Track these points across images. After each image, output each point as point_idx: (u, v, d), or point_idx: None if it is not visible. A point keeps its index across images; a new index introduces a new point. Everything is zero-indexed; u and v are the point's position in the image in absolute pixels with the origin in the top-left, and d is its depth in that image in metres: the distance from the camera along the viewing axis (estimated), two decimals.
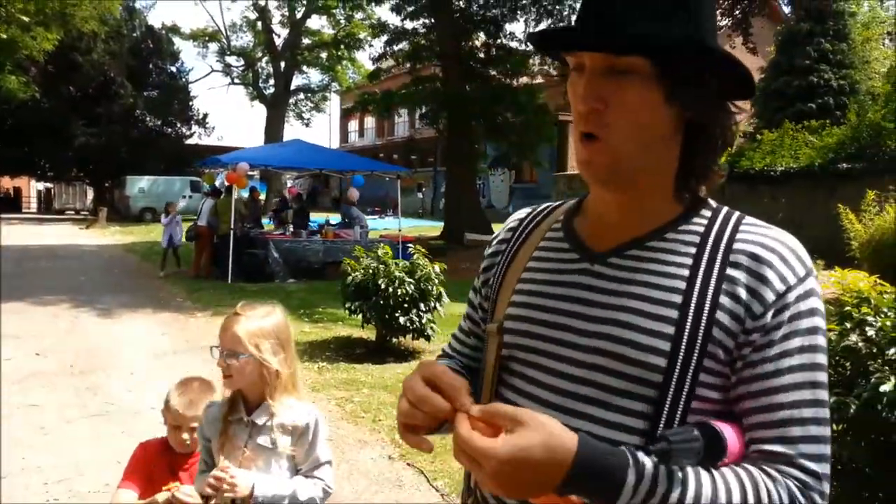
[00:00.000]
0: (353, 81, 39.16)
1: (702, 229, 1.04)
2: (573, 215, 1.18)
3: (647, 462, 0.90)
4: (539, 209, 1.26)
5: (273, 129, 36.23)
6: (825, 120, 16.89)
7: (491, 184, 33.88)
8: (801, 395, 0.96)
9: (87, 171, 39.76)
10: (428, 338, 7.35)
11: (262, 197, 21.54)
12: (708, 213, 1.07)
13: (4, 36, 21.99)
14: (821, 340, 0.98)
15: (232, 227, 13.20)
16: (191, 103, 42.04)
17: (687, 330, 0.97)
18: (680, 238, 1.05)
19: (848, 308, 3.06)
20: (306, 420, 2.14)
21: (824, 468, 0.95)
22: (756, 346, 0.97)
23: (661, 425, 0.96)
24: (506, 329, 1.12)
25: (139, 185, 32.28)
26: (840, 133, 15.66)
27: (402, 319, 7.12)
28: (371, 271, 7.37)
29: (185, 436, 2.40)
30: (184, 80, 42.48)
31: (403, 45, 22.02)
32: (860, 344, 2.89)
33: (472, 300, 1.31)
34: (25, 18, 22.02)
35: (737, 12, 17.20)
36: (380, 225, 22.30)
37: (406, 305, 7.14)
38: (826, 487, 0.95)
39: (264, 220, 17.79)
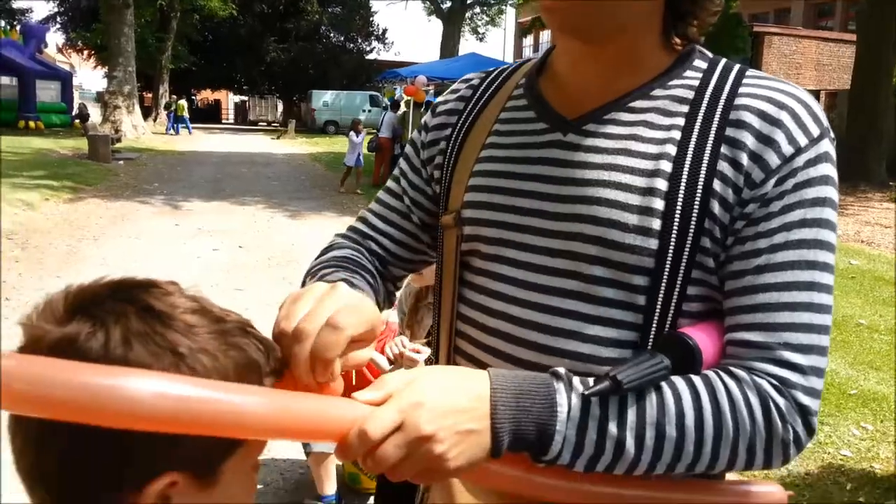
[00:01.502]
0: None
1: (696, 83, 0.86)
2: (537, 76, 0.97)
3: (576, 380, 0.76)
4: (493, 71, 1.05)
5: (448, 45, 36.39)
6: None
7: None
8: (794, 275, 0.79)
9: (277, 86, 42.35)
10: None
11: None
12: (703, 65, 0.88)
13: None
14: (829, 214, 0.81)
15: (408, 139, 13.67)
16: (371, 19, 43.12)
17: (679, 204, 0.80)
18: (669, 94, 0.86)
19: None
20: None
21: (812, 360, 0.78)
22: (751, 219, 0.80)
23: (656, 317, 0.82)
24: (464, 219, 0.94)
25: (323, 99, 33.92)
26: None
27: None
28: None
29: None
30: None
31: None
32: None
33: (408, 175, 1.07)
34: None
35: None
36: None
37: None
38: (815, 383, 0.78)
39: None
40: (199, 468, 0.63)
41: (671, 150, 0.83)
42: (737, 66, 0.88)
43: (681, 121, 0.84)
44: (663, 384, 0.76)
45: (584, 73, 0.90)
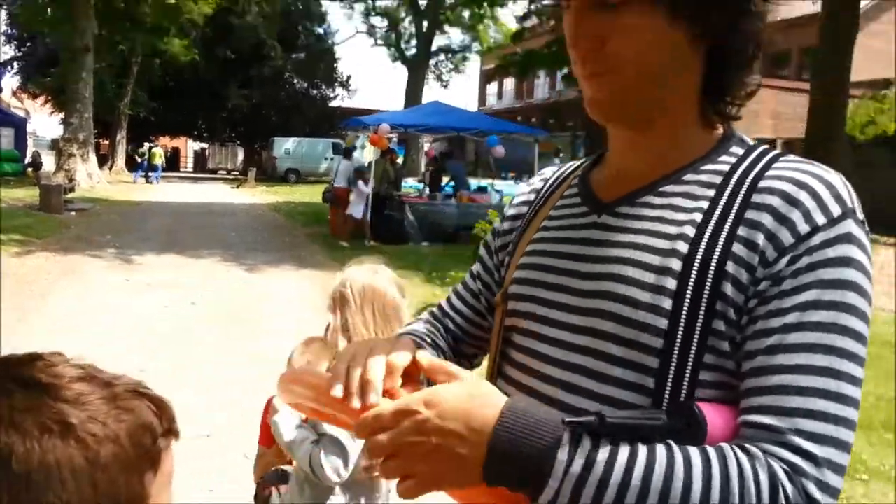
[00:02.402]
0: (495, 41, 38.88)
1: (727, 168, 0.88)
2: (592, 167, 1.04)
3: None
4: (565, 167, 1.13)
5: (413, 92, 36.71)
6: None
7: None
8: (808, 359, 0.76)
9: (238, 133, 42.18)
10: None
11: (400, 159, 21.97)
12: (740, 151, 0.90)
13: (172, 1, 23.47)
14: (852, 298, 0.77)
15: (375, 188, 13.55)
16: (335, 65, 43.38)
17: (691, 285, 0.81)
18: (699, 179, 0.88)
19: None
20: None
21: (827, 452, 0.73)
22: (764, 298, 0.79)
23: (666, 399, 0.81)
24: (510, 295, 1.00)
25: (285, 147, 33.83)
26: None
27: None
28: None
29: None
30: (330, 42, 43.88)
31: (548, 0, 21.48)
32: None
33: (484, 260, 1.16)
34: None
35: None
36: (515, 190, 22.14)
37: None
38: (829, 477, 0.73)
39: (412, 183, 18.14)
40: None
41: (690, 231, 0.84)
42: (774, 152, 0.88)
43: (705, 204, 0.86)
44: (676, 449, 0.74)
45: (628, 158, 0.95)
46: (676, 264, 0.83)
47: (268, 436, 2.57)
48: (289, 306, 8.11)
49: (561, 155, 36.47)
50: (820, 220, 0.79)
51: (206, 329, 6.95)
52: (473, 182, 17.79)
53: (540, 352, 0.93)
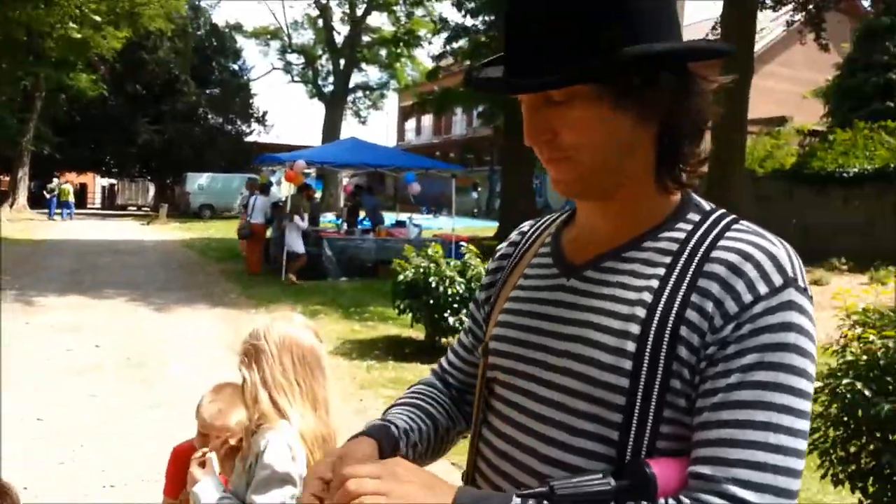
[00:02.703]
0: (412, 79, 39.31)
1: (683, 235, 0.95)
2: (564, 226, 1.11)
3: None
4: (542, 220, 1.20)
5: (331, 127, 36.62)
6: None
7: (547, 183, 33.37)
8: (748, 414, 0.83)
9: (149, 168, 40.89)
10: None
11: (318, 195, 21.80)
12: (696, 217, 0.97)
13: (78, 35, 22.71)
14: (791, 359, 0.85)
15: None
16: (251, 101, 42.84)
17: (649, 348, 0.89)
18: (657, 246, 0.96)
19: None
20: (261, 443, 1.84)
21: (765, 498, 0.80)
22: (712, 360, 0.87)
23: (629, 452, 0.88)
24: (490, 350, 1.08)
25: (199, 182, 32.99)
26: None
27: (451, 319, 7.07)
28: (422, 270, 7.32)
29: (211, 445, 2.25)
30: (245, 77, 43.34)
31: (463, 42, 21.96)
32: None
33: (474, 314, 1.25)
34: (98, 18, 22.68)
35: (810, 7, 16.58)
36: (434, 224, 22.28)
37: (456, 305, 7.08)
38: None
39: (331, 218, 17.95)
40: None
41: (648, 297, 0.92)
42: (728, 219, 0.95)
43: (661, 271, 0.93)
44: None
45: (593, 224, 1.03)
46: (635, 328, 0.90)
47: (172, 486, 2.43)
48: (200, 347, 7.84)
49: (479, 189, 37.13)
50: (762, 289, 0.86)
51: (110, 373, 6.63)
52: (391, 217, 17.77)
53: (518, 403, 1.01)
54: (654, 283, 0.92)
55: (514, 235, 1.22)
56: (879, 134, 15.72)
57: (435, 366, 1.32)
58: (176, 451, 2.50)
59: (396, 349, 7.92)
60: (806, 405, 0.85)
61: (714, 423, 0.84)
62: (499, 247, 1.24)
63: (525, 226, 1.22)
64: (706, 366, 0.87)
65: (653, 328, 0.89)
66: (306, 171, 14.58)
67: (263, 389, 1.91)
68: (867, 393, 2.79)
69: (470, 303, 1.28)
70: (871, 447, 2.90)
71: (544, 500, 0.83)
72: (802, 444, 0.84)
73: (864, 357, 2.98)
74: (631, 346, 0.89)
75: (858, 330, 3.08)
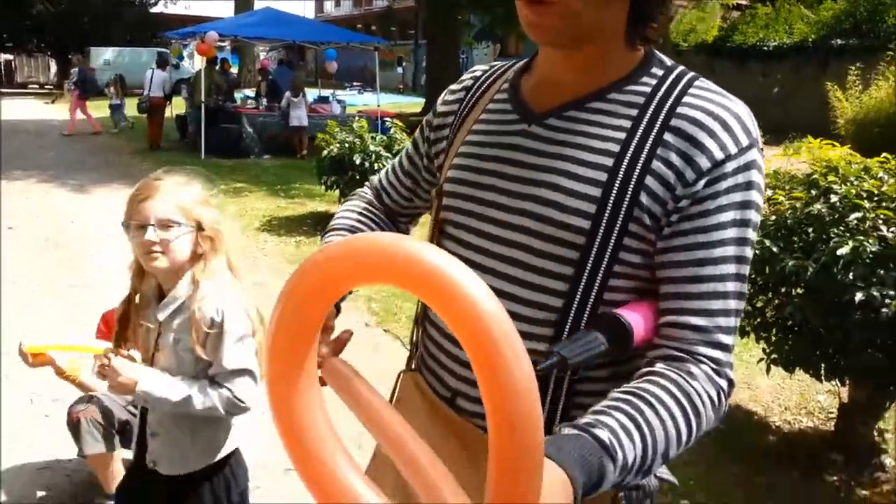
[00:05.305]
0: None
1: (648, 90, 0.98)
2: (521, 74, 1.11)
3: (603, 435, 0.81)
4: (495, 66, 1.20)
5: None
6: None
7: (474, 58, 32.81)
8: (727, 268, 0.93)
9: (47, 42, 37.94)
10: None
11: (234, 70, 20.82)
12: (659, 73, 1.00)
13: None
14: (753, 215, 0.94)
15: (203, 99, 12.81)
16: None
17: (614, 193, 0.93)
18: (622, 98, 0.99)
19: (815, 177, 3.13)
20: (211, 315, 1.80)
21: (732, 339, 0.95)
22: (687, 215, 0.93)
23: (581, 287, 0.95)
24: (445, 192, 1.11)
25: (104, 57, 30.88)
26: (837, 8, 15.26)
27: None
28: (347, 146, 7.23)
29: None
30: None
31: None
32: (824, 211, 2.98)
33: (416, 139, 1.27)
34: None
35: None
36: (358, 101, 21.72)
37: None
38: (732, 357, 0.95)
39: (249, 94, 17.23)
40: None
41: (614, 147, 0.95)
42: (688, 76, 0.99)
43: (627, 123, 0.96)
44: (655, 404, 0.86)
45: (557, 74, 1.03)
46: (601, 175, 0.94)
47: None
48: (118, 227, 7.62)
49: (404, 64, 36.14)
50: (732, 149, 0.92)
51: (29, 253, 6.43)
52: (314, 92, 17.19)
53: (471, 242, 1.05)
54: (621, 135, 0.96)
55: (466, 79, 1.21)
56: (799, 8, 15.94)
57: (372, 182, 1.36)
58: (105, 317, 2.49)
59: (325, 225, 7.87)
60: (751, 252, 0.97)
61: (702, 278, 0.92)
62: (450, 87, 1.23)
63: (477, 70, 1.21)
64: (679, 219, 0.92)
65: (619, 176, 0.93)
66: (220, 44, 13.87)
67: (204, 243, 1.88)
68: (775, 250, 2.97)
69: (417, 130, 1.28)
70: (777, 301, 3.13)
71: (557, 369, 0.90)
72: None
73: (773, 217, 3.15)
74: (595, 192, 0.94)
75: (769, 192, 3.24)
